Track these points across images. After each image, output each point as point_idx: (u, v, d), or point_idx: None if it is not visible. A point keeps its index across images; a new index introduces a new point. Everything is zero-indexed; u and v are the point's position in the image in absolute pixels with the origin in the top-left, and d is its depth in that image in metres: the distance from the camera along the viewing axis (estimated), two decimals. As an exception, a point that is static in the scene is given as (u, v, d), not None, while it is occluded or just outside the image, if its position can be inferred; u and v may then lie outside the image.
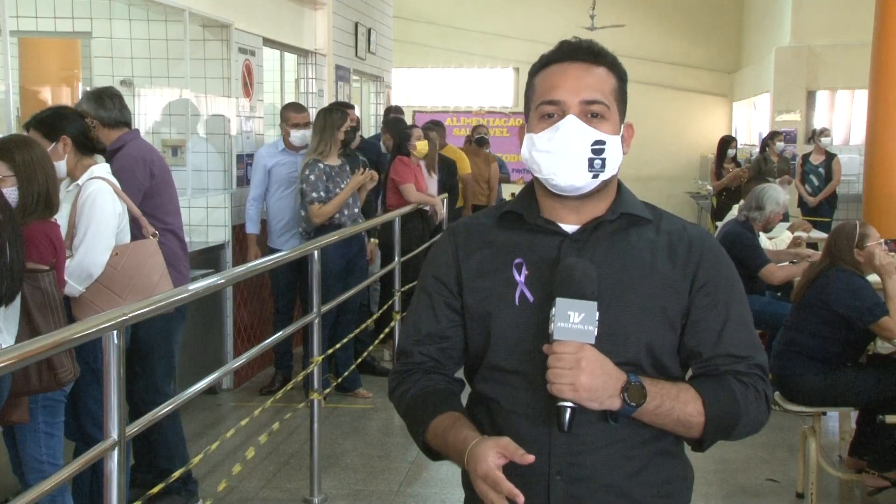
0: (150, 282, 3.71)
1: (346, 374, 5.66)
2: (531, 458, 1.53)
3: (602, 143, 1.63)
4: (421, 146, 6.90)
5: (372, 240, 6.46)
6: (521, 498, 1.52)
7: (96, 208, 3.57)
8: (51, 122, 3.66)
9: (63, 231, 3.46)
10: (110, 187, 3.65)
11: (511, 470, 1.55)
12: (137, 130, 4.34)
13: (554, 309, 1.56)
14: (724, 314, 1.69)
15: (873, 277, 4.39)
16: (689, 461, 1.78)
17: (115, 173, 3.92)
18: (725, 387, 1.66)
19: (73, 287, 3.52)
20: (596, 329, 1.56)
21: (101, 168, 3.71)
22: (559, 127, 1.63)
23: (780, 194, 5.99)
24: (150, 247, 3.79)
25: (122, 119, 4.14)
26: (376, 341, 6.59)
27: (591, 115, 1.64)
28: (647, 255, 1.69)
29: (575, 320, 1.55)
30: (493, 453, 1.54)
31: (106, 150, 3.88)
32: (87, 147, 3.71)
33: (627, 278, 1.66)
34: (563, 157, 1.63)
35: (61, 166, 3.62)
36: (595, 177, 1.64)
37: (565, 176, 1.64)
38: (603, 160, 1.63)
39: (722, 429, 1.66)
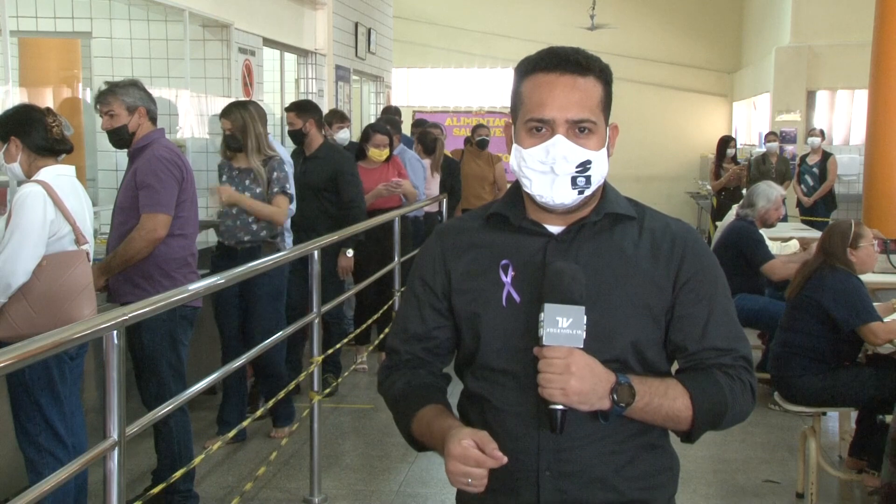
0: (65, 298, 3.43)
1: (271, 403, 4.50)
2: (504, 459, 1.57)
3: (588, 163, 1.67)
4: (374, 153, 6.49)
5: (347, 253, 5.90)
6: (504, 459, 1.57)
7: (24, 213, 3.33)
8: (2, 123, 3.53)
9: None
10: (44, 191, 3.37)
11: (502, 466, 1.59)
12: (163, 129, 4.20)
13: (543, 314, 1.60)
14: (708, 308, 1.73)
15: (865, 277, 4.39)
16: (675, 452, 1.83)
17: (144, 175, 3.85)
18: (712, 380, 1.71)
19: None
20: (584, 333, 1.60)
21: (52, 170, 3.48)
22: (548, 149, 1.66)
23: (771, 191, 5.94)
24: (74, 259, 3.49)
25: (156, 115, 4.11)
26: (371, 347, 6.56)
27: (578, 130, 1.67)
28: (631, 254, 1.73)
29: (563, 325, 1.59)
30: (469, 439, 1.59)
31: (72, 149, 3.65)
32: (45, 148, 3.49)
33: (612, 278, 1.70)
34: (552, 178, 1.67)
35: (15, 168, 3.50)
36: (581, 193, 1.68)
37: (553, 196, 1.68)
38: (588, 177, 1.67)
39: (710, 421, 1.71)
